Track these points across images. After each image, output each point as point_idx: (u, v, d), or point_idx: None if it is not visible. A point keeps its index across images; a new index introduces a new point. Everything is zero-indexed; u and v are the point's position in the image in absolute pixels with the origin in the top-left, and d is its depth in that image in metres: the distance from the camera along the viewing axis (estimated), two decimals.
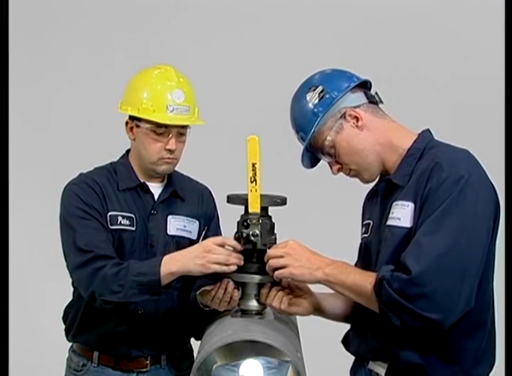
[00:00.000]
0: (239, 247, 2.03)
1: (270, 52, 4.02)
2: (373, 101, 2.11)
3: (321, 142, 2.09)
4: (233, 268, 2.03)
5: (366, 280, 1.93)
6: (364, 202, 2.30)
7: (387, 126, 2.09)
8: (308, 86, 2.13)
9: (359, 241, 2.21)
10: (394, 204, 2.01)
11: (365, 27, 3.95)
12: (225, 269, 2.04)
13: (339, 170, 2.13)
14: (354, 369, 2.19)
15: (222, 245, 2.05)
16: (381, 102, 2.13)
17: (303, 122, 2.11)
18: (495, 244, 1.99)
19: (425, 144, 2.05)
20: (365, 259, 2.14)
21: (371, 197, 2.23)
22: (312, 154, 2.15)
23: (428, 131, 2.12)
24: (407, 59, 3.86)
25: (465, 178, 1.89)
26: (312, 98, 2.10)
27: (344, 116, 2.07)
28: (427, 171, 1.95)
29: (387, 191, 2.09)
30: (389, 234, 2.00)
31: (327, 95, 2.08)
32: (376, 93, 2.13)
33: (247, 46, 4.05)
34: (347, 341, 2.19)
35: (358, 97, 2.09)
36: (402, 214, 1.98)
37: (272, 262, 1.99)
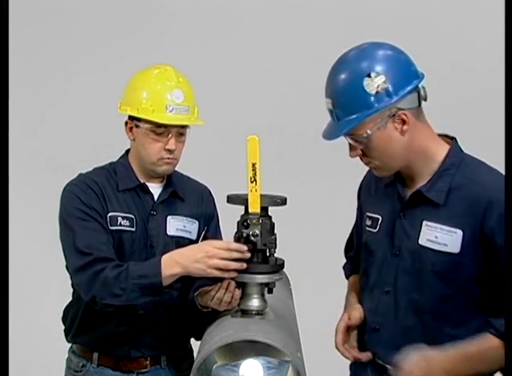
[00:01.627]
0: (243, 248, 2.00)
1: (270, 52, 4.02)
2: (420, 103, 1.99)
3: (358, 131, 1.96)
4: (233, 274, 2.03)
5: (494, 359, 1.90)
6: (362, 189, 2.28)
7: (425, 133, 2.01)
8: (369, 68, 1.93)
9: (354, 228, 2.23)
10: (436, 226, 1.99)
11: (365, 23, 3.95)
12: (225, 275, 2.04)
13: (357, 156, 2.03)
14: (356, 364, 2.21)
15: (225, 249, 2.03)
16: (425, 99, 2.01)
17: (348, 106, 1.94)
18: None
19: (459, 160, 2.02)
20: (370, 253, 2.16)
21: (376, 188, 2.19)
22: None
23: (455, 140, 2.08)
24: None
25: None
26: (370, 86, 1.91)
27: (392, 115, 1.94)
28: (482, 204, 1.92)
29: (412, 200, 2.06)
30: (436, 260, 1.99)
31: (387, 92, 1.92)
32: (423, 88, 2.00)
33: (247, 46, 4.05)
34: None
35: (412, 99, 1.96)
36: (448, 240, 1.97)
37: None
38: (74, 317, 2.39)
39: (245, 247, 2.00)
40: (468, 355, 1.94)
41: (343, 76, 1.96)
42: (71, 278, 2.28)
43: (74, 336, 2.41)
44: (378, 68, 1.93)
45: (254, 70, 4.01)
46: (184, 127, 2.32)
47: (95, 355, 2.36)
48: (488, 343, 1.93)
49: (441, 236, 1.98)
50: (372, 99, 1.92)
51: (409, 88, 1.94)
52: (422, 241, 2.02)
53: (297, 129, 3.82)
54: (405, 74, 1.96)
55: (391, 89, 1.92)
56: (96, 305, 2.19)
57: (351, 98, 1.94)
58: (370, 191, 2.24)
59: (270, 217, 2.04)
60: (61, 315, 2.48)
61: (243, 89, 3.97)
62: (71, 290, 2.40)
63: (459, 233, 1.96)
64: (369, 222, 2.19)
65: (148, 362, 2.37)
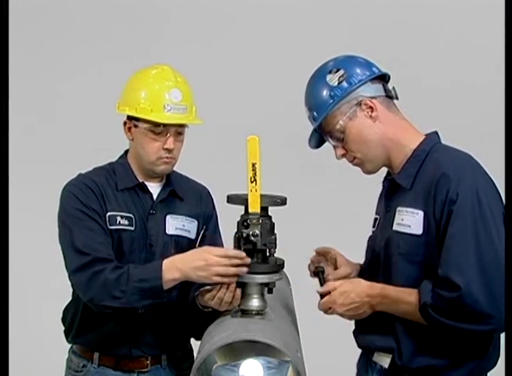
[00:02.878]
0: (242, 254, 2.02)
1: (270, 51, 4.02)
2: (390, 95, 2.14)
3: (332, 125, 2.12)
4: (233, 279, 2.05)
5: (414, 305, 1.97)
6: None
7: (398, 123, 2.13)
8: (329, 67, 2.15)
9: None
10: (403, 209, 2.05)
11: (364, 30, 3.95)
12: (225, 280, 2.06)
13: (343, 155, 2.16)
14: (360, 362, 2.21)
15: (223, 257, 2.05)
16: (397, 98, 2.16)
17: (318, 102, 2.14)
18: None
19: (431, 146, 2.09)
20: (371, 252, 2.20)
21: (380, 193, 2.26)
22: (320, 135, 2.18)
23: (436, 133, 2.15)
24: (405, 61, 3.86)
25: (475, 192, 1.94)
26: (332, 80, 2.12)
27: (359, 104, 2.10)
28: (434, 181, 1.98)
29: (390, 190, 2.14)
30: (401, 242, 2.04)
31: (347, 81, 2.11)
32: (394, 88, 2.16)
33: (246, 45, 4.05)
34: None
35: (377, 88, 2.13)
36: (411, 221, 2.02)
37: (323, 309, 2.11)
38: (74, 317, 2.38)
39: (243, 254, 2.02)
40: (389, 289, 2.04)
41: (310, 82, 2.19)
42: (69, 278, 2.28)
43: (74, 337, 2.40)
44: (338, 65, 2.14)
45: (253, 70, 4.00)
46: (182, 126, 2.32)
47: (96, 355, 2.36)
48: (411, 290, 1.99)
49: (406, 218, 2.04)
50: (335, 90, 2.11)
51: (365, 75, 2.11)
52: (394, 227, 2.08)
53: (297, 129, 3.79)
54: (365, 68, 2.14)
55: (350, 79, 2.11)
56: (94, 306, 2.19)
57: (318, 95, 2.14)
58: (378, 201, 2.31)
59: (270, 217, 2.04)
60: (61, 315, 2.47)
61: (242, 89, 3.97)
62: (71, 290, 2.40)
63: (421, 213, 2.01)
64: (372, 224, 2.25)
65: (149, 361, 2.36)
